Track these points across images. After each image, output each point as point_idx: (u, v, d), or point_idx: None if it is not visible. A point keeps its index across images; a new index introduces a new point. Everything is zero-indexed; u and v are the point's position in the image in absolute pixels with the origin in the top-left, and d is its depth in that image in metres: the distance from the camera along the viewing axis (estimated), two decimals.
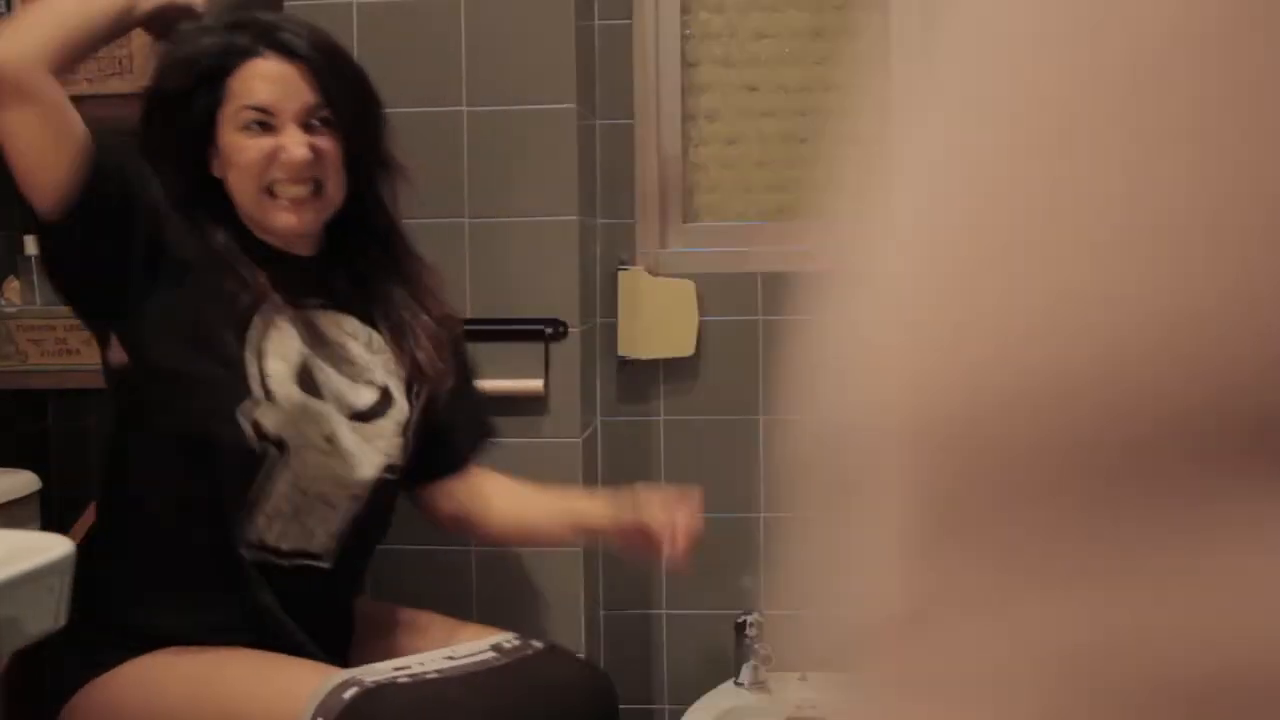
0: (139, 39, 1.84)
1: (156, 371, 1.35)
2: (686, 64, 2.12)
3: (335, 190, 1.41)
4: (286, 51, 1.37)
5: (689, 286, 2.07)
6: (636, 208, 2.09)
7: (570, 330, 1.85)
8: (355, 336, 1.44)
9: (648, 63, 2.09)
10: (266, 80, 1.36)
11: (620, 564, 2.12)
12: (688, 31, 2.12)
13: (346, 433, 1.39)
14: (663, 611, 2.13)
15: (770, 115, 2.12)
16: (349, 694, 1.23)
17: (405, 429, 1.46)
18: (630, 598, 2.13)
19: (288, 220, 1.37)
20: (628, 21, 2.07)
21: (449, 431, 1.54)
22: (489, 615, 1.86)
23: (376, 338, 1.46)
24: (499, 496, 1.59)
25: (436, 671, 1.32)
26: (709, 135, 2.13)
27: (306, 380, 1.36)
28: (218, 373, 1.33)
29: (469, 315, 1.86)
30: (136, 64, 1.83)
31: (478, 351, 1.86)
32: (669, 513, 1.43)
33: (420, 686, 1.28)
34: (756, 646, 2.00)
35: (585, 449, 1.92)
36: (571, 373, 1.86)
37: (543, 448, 1.86)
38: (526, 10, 1.83)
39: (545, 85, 1.83)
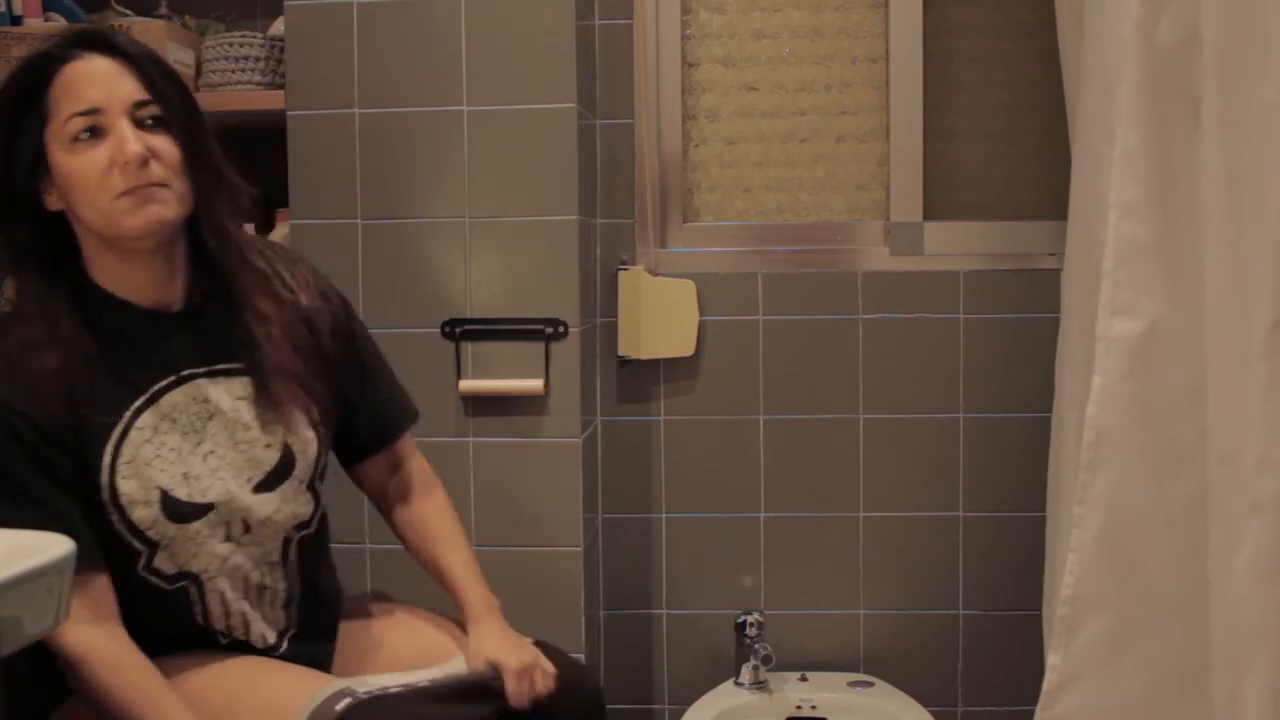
0: (139, 38, 1.84)
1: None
2: (686, 64, 2.12)
3: (183, 191, 1.28)
4: (103, 47, 1.27)
5: (689, 286, 2.07)
6: (636, 208, 2.09)
7: (570, 330, 1.85)
8: (245, 397, 1.33)
9: (648, 63, 2.09)
10: (86, 78, 1.25)
11: (620, 564, 2.12)
12: (688, 31, 2.12)
13: (238, 521, 1.32)
14: (663, 611, 2.13)
15: (770, 115, 2.12)
16: (341, 705, 1.22)
17: (313, 480, 1.40)
18: (630, 598, 2.13)
19: (137, 220, 1.24)
20: (628, 21, 2.07)
21: (365, 412, 1.49)
22: None
23: (268, 387, 1.34)
24: (414, 513, 1.55)
25: (430, 680, 1.31)
26: (709, 135, 2.13)
27: (180, 495, 1.28)
28: (109, 548, 1.26)
29: (469, 315, 1.86)
30: None
31: (478, 351, 1.87)
32: (520, 687, 1.34)
33: (412, 697, 1.26)
34: (756, 646, 2.00)
35: (585, 449, 1.92)
36: (571, 373, 1.86)
37: (543, 448, 1.87)
38: (526, 10, 1.83)
39: (545, 85, 1.83)
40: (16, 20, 1.91)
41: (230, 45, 1.90)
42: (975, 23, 2.09)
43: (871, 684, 2.04)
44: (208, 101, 1.86)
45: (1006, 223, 2.08)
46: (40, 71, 1.25)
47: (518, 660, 1.35)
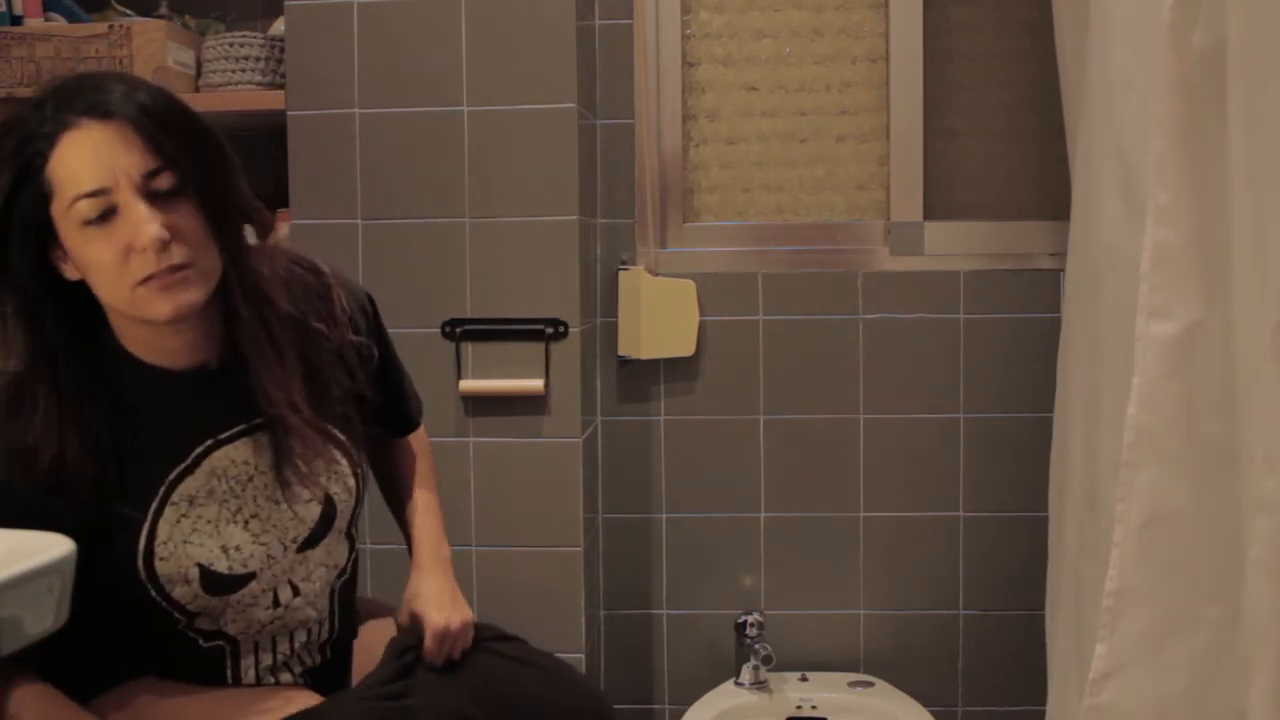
0: (140, 39, 1.84)
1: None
2: (686, 64, 2.12)
3: (210, 264, 1.17)
4: (100, 113, 1.11)
5: (689, 286, 2.07)
6: (636, 208, 2.09)
7: (570, 330, 1.85)
8: (285, 451, 1.26)
9: (648, 63, 2.09)
10: (87, 154, 1.10)
11: (620, 564, 2.12)
12: (688, 31, 2.12)
13: (285, 584, 1.28)
14: (663, 611, 2.13)
15: (770, 115, 2.12)
16: None
17: (350, 526, 1.34)
18: (630, 598, 2.13)
19: (164, 308, 1.14)
20: (628, 21, 2.07)
21: (382, 412, 1.43)
22: (489, 615, 1.86)
23: (307, 439, 1.27)
24: (394, 466, 1.51)
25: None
26: (709, 135, 2.13)
27: (220, 569, 1.22)
28: (142, 615, 1.22)
29: (469, 315, 1.86)
30: (137, 64, 1.83)
31: (478, 351, 1.87)
32: (440, 647, 1.31)
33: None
34: (756, 646, 2.00)
35: (585, 449, 1.92)
36: (571, 373, 1.86)
37: (543, 448, 1.87)
38: (526, 10, 1.83)
39: (545, 85, 1.83)
40: (17, 20, 1.91)
41: (230, 45, 1.90)
42: (975, 23, 2.09)
43: (871, 684, 2.04)
44: (208, 102, 1.87)
45: (1006, 223, 2.08)
46: (30, 147, 1.12)
47: (443, 619, 1.30)
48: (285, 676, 1.32)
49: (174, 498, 1.20)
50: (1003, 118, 2.09)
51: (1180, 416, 1.29)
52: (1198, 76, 1.26)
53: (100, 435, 1.17)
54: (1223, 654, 1.25)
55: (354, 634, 1.43)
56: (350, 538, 1.36)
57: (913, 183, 2.09)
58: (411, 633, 1.33)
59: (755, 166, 2.13)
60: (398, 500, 1.50)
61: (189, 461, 1.22)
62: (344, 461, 1.31)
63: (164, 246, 1.11)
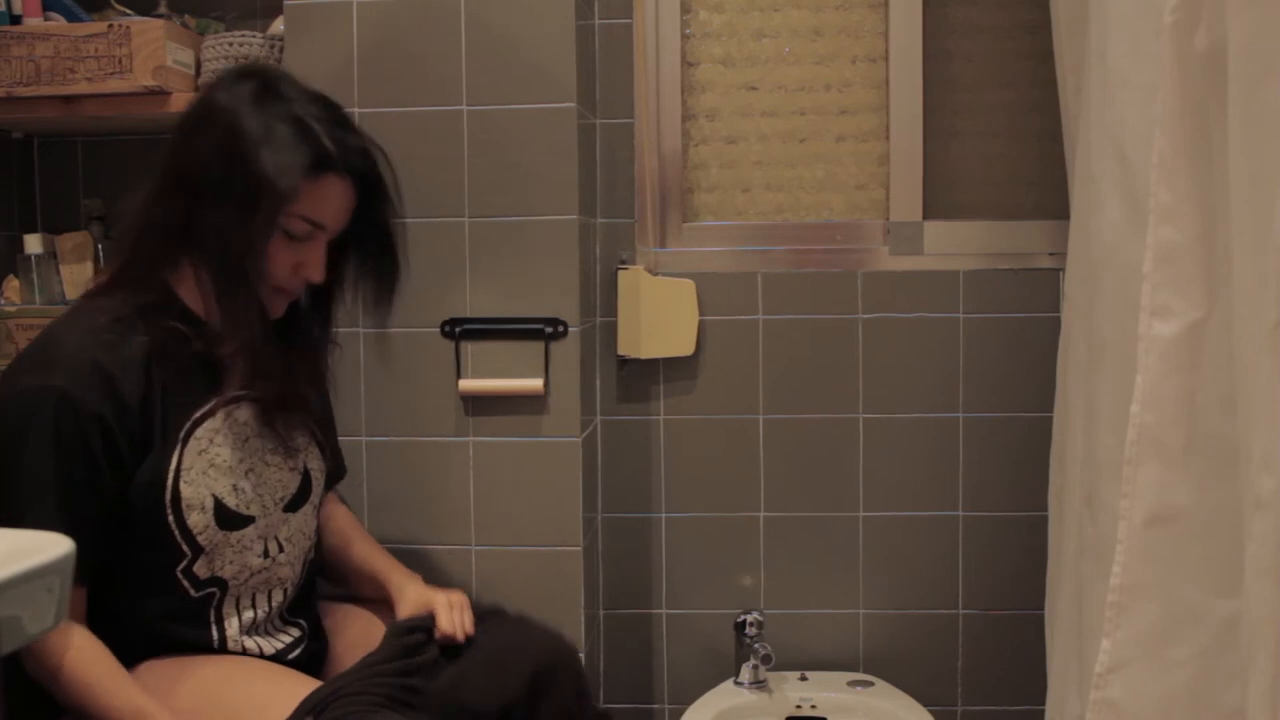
0: (139, 38, 1.84)
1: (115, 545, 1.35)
2: (686, 64, 2.12)
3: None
4: (355, 174, 1.39)
5: (689, 286, 2.07)
6: (636, 208, 2.09)
7: (570, 330, 1.85)
8: (274, 423, 1.44)
9: (648, 63, 2.09)
10: (335, 201, 1.38)
11: (620, 564, 2.12)
12: (688, 31, 2.12)
13: (273, 538, 1.43)
14: (663, 611, 2.13)
15: (770, 115, 2.12)
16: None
17: (319, 504, 1.54)
18: (630, 597, 2.13)
19: (273, 310, 1.41)
20: (628, 21, 2.07)
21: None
22: None
23: (293, 416, 1.47)
24: (333, 523, 1.64)
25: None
26: (709, 135, 2.13)
27: (230, 505, 1.38)
28: (149, 548, 1.34)
29: (469, 315, 1.86)
30: (136, 63, 1.83)
31: (478, 351, 1.87)
32: (451, 616, 1.44)
33: (361, 664, 1.36)
34: (756, 646, 2.00)
35: (585, 448, 1.92)
36: (571, 372, 1.86)
37: (543, 447, 1.87)
38: (526, 10, 1.83)
39: (545, 85, 1.83)
40: (16, 20, 1.91)
41: (230, 45, 1.90)
42: (975, 23, 2.09)
43: (871, 683, 2.04)
44: None
45: (1006, 222, 2.08)
46: (314, 167, 1.33)
47: (445, 597, 1.46)
48: (262, 642, 1.43)
49: (197, 433, 1.36)
50: (1003, 118, 2.09)
51: (1183, 415, 1.30)
52: (1200, 77, 1.26)
53: (164, 358, 1.34)
54: (1226, 651, 1.26)
55: (318, 612, 1.55)
56: (318, 516, 1.55)
57: (912, 182, 2.09)
58: (415, 618, 1.44)
59: (755, 166, 2.13)
60: (347, 544, 1.63)
61: (210, 406, 1.38)
62: (316, 444, 1.53)
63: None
